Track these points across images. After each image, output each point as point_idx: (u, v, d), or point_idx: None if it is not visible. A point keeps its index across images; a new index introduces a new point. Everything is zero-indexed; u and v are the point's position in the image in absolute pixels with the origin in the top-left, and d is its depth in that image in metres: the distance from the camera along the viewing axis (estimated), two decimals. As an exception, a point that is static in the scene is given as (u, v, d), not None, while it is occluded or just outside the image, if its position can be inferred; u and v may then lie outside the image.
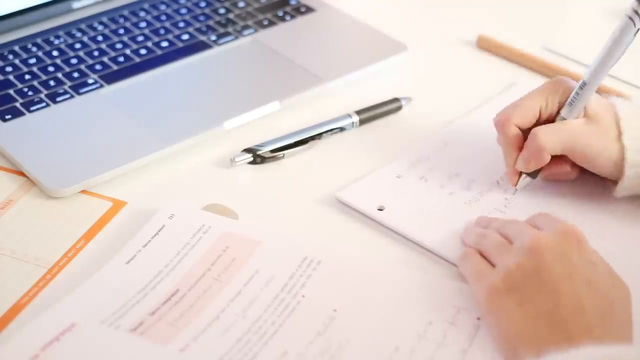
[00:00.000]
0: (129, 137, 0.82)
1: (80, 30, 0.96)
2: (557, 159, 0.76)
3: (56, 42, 0.94)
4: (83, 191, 0.77)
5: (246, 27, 0.97)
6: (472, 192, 0.78)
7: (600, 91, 0.90)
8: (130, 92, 0.88)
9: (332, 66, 0.91)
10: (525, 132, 0.76)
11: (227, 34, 0.96)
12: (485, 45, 0.97)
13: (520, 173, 0.77)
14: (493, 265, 0.66)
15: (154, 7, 0.99)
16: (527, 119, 0.76)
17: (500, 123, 0.76)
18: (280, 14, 0.99)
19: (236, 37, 0.96)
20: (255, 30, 0.97)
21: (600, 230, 0.73)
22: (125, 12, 0.98)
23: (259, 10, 1.00)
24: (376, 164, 0.80)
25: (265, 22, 0.98)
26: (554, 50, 0.96)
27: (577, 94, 0.74)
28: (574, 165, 0.76)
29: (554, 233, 0.65)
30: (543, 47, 0.97)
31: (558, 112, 0.75)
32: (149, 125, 0.83)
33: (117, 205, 0.76)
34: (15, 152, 0.80)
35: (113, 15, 0.98)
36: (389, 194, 0.77)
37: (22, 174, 0.79)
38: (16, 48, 0.92)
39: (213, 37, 0.95)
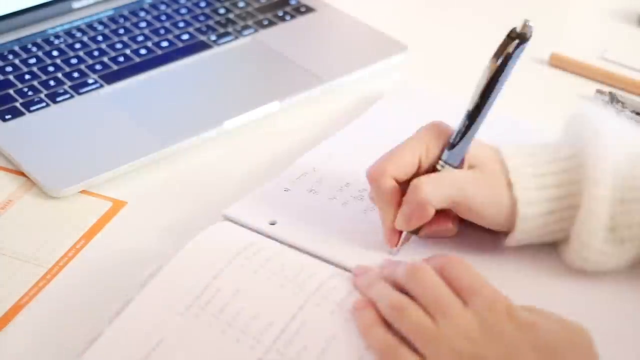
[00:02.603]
0: (129, 137, 0.82)
1: (80, 30, 0.96)
2: (438, 214, 0.67)
3: (56, 42, 0.94)
4: (83, 191, 0.77)
5: (246, 27, 0.97)
6: (365, 201, 0.73)
7: (612, 82, 0.90)
8: (131, 92, 0.88)
9: (332, 66, 0.91)
10: (404, 185, 0.67)
11: (227, 33, 0.96)
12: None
13: (400, 232, 0.68)
14: (419, 354, 0.57)
15: (154, 7, 0.99)
16: (406, 170, 0.67)
17: (375, 176, 0.67)
18: (280, 13, 0.99)
19: (236, 37, 0.96)
20: (255, 30, 0.97)
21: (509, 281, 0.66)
22: (125, 12, 0.98)
23: (259, 10, 1.00)
24: (254, 171, 0.79)
25: (265, 22, 0.98)
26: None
27: (458, 135, 0.66)
28: (454, 219, 0.68)
29: (481, 311, 0.57)
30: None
31: (439, 160, 0.67)
32: (149, 125, 0.83)
33: (117, 205, 0.76)
34: (15, 152, 0.80)
35: (113, 15, 0.98)
36: (279, 208, 0.73)
37: (22, 174, 0.79)
38: (16, 48, 0.92)
39: (213, 37, 0.95)
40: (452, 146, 0.66)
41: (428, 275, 0.59)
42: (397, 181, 0.67)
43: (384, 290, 0.61)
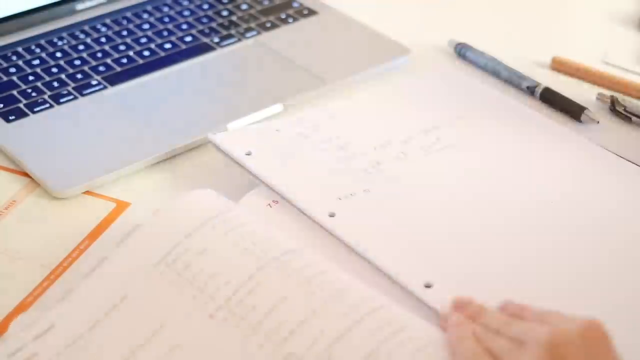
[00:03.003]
0: (132, 138, 0.82)
1: (83, 31, 0.96)
2: None
3: (59, 43, 0.94)
4: (87, 192, 0.78)
5: (249, 29, 0.97)
6: (344, 152, 0.78)
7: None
8: (134, 93, 0.88)
9: (335, 68, 0.91)
10: None
11: (230, 36, 0.96)
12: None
13: None
14: None
15: (157, 9, 1.00)
16: None
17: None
18: (283, 16, 0.99)
19: (239, 40, 0.96)
20: (258, 33, 0.97)
21: None
22: (129, 14, 0.99)
23: (261, 12, 1.00)
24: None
25: (268, 25, 0.98)
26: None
27: None
28: None
29: (575, 328, 0.54)
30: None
31: None
32: (152, 127, 0.83)
33: (121, 206, 0.77)
34: (19, 153, 0.80)
35: (116, 17, 0.98)
36: (261, 143, 0.77)
37: (26, 174, 0.79)
38: (20, 49, 0.93)
39: (216, 39, 0.96)
40: None
41: (519, 320, 0.58)
42: None
43: (489, 320, 0.59)
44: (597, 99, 0.89)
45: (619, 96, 0.88)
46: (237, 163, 0.75)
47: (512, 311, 0.60)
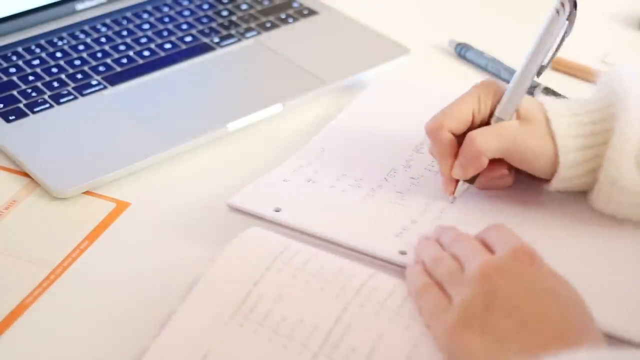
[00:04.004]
0: (132, 138, 0.82)
1: (83, 31, 0.96)
2: (493, 164, 0.73)
3: (60, 43, 0.94)
4: (87, 192, 0.78)
5: (249, 29, 0.97)
6: (364, 189, 0.76)
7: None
8: (134, 93, 0.88)
9: (335, 68, 0.91)
10: (459, 138, 0.73)
11: (230, 36, 0.96)
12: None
13: (457, 181, 0.74)
14: (448, 296, 0.61)
15: (157, 9, 1.00)
16: (461, 124, 0.73)
17: (433, 130, 0.73)
18: (283, 16, 0.99)
19: (239, 40, 0.96)
20: (258, 33, 0.97)
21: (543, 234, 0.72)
22: (129, 14, 0.99)
23: (261, 12, 1.00)
24: (257, 172, 0.79)
25: (268, 25, 0.98)
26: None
27: (510, 93, 0.72)
28: (509, 169, 0.74)
29: (504, 255, 0.61)
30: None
31: (491, 115, 0.73)
32: (152, 127, 0.83)
33: (121, 206, 0.77)
34: (19, 153, 0.80)
35: (116, 17, 0.98)
36: (282, 196, 0.75)
37: (26, 174, 0.79)
38: (20, 49, 0.93)
39: (216, 39, 0.96)
40: (504, 103, 0.72)
41: (466, 237, 0.66)
42: (453, 134, 0.73)
43: (430, 249, 0.67)
44: None
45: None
46: (272, 222, 0.72)
47: (451, 235, 0.68)
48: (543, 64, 0.73)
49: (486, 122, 0.73)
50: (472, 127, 0.73)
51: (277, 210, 0.73)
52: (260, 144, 0.84)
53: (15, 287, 0.69)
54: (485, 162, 0.72)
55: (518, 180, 0.75)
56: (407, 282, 0.64)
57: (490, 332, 0.57)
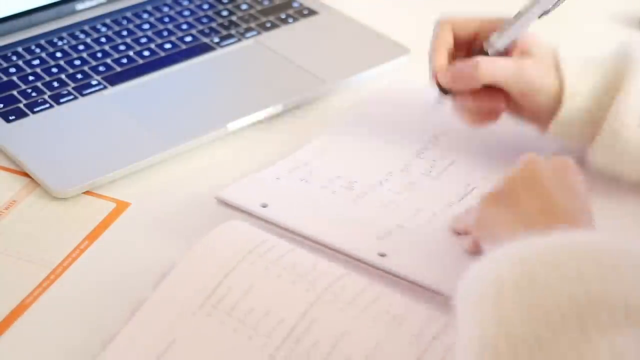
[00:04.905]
0: (132, 138, 0.82)
1: (83, 31, 0.96)
2: (488, 93, 0.75)
3: (60, 43, 0.94)
4: (87, 192, 0.78)
5: (249, 29, 0.97)
6: (355, 191, 0.76)
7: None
8: (134, 93, 0.88)
9: (335, 68, 0.91)
10: (458, 48, 0.77)
11: (230, 36, 0.96)
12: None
13: (439, 86, 0.77)
14: None
15: (157, 9, 1.00)
16: (463, 31, 0.77)
17: (440, 21, 0.77)
18: (283, 16, 0.99)
19: (239, 40, 0.96)
20: (258, 33, 0.97)
21: None
22: (129, 14, 0.99)
23: (261, 12, 1.00)
24: (253, 170, 0.79)
25: (268, 25, 0.98)
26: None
27: (510, 23, 0.75)
28: (484, 111, 0.77)
29: (546, 159, 0.65)
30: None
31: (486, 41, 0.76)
32: (152, 127, 0.83)
33: (121, 206, 0.77)
34: (19, 153, 0.80)
35: (116, 17, 0.98)
36: (271, 193, 0.75)
37: (26, 174, 0.79)
38: (20, 49, 0.93)
39: (216, 39, 0.96)
40: (502, 31, 0.75)
41: None
42: (455, 39, 0.77)
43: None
44: None
45: None
46: (257, 217, 0.72)
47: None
48: (546, 9, 0.75)
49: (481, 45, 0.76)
50: (473, 42, 0.77)
51: (264, 206, 0.73)
52: (260, 144, 0.84)
53: (15, 287, 0.69)
54: (476, 83, 0.74)
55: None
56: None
57: (518, 205, 0.62)
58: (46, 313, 0.67)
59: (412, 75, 0.93)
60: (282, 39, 0.96)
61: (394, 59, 0.93)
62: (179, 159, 0.82)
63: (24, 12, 0.95)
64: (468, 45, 0.78)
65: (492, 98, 0.76)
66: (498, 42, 0.75)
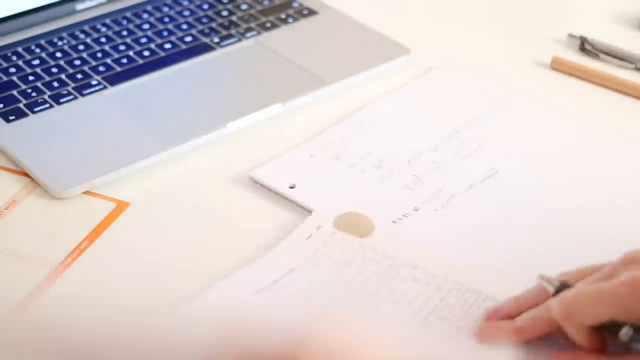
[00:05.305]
0: (132, 138, 0.82)
1: (83, 31, 0.96)
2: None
3: (59, 43, 0.94)
4: (87, 192, 0.78)
5: (249, 29, 0.97)
6: (382, 170, 0.79)
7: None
8: (134, 93, 0.88)
9: (335, 68, 0.91)
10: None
11: (230, 36, 0.96)
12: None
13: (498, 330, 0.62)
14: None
15: (157, 9, 1.00)
16: (593, 321, 0.59)
17: (562, 318, 0.59)
18: (283, 16, 0.99)
19: (239, 40, 0.96)
20: (258, 33, 0.97)
21: None
22: (129, 14, 0.99)
23: (261, 12, 1.00)
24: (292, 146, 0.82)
25: (268, 25, 0.98)
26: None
27: None
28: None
29: None
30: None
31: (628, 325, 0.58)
32: (152, 127, 0.83)
33: (121, 206, 0.77)
34: (19, 153, 0.80)
35: (116, 17, 0.98)
36: (301, 173, 0.78)
37: (25, 174, 0.79)
38: (19, 49, 0.93)
39: (216, 39, 0.96)
40: None
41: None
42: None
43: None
44: (569, 38, 0.97)
45: (588, 36, 0.95)
46: (284, 197, 0.76)
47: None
48: None
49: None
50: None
51: (292, 187, 0.76)
52: (260, 144, 0.84)
53: (15, 287, 0.69)
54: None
55: None
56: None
57: None
58: (46, 313, 0.67)
59: (412, 75, 0.93)
60: (282, 39, 0.96)
61: (394, 59, 0.93)
62: (179, 159, 0.82)
63: (24, 12, 0.95)
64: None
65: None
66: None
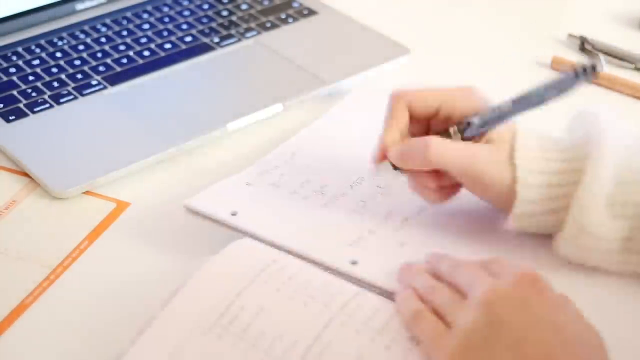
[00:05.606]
0: (132, 138, 0.82)
1: (83, 31, 0.96)
2: (431, 172, 0.69)
3: (59, 43, 0.94)
4: (87, 192, 0.78)
5: (249, 29, 0.97)
6: (326, 196, 0.75)
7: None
8: (134, 93, 0.88)
9: (335, 68, 0.91)
10: (416, 122, 0.71)
11: (230, 36, 0.96)
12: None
13: (385, 157, 0.71)
14: (447, 323, 0.59)
15: (157, 9, 1.00)
16: (421, 107, 0.70)
17: (393, 96, 0.71)
18: (283, 16, 0.99)
19: (239, 40, 0.96)
20: (258, 33, 0.97)
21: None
22: (129, 14, 0.99)
23: (261, 12, 1.00)
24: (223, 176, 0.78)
25: (268, 25, 0.98)
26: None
27: (492, 119, 0.67)
28: (443, 188, 0.70)
29: (508, 281, 0.58)
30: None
31: (454, 124, 0.69)
32: (152, 127, 0.83)
33: (121, 206, 0.77)
34: (19, 153, 0.80)
35: (116, 17, 0.98)
36: (241, 200, 0.73)
37: (26, 174, 0.79)
38: (20, 49, 0.93)
39: (216, 39, 0.96)
40: (482, 125, 0.68)
41: (467, 263, 0.63)
42: (411, 114, 0.71)
43: (424, 277, 0.64)
44: (569, 38, 0.98)
45: (588, 36, 0.97)
46: (226, 225, 0.71)
47: (449, 264, 0.64)
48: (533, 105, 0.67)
49: (445, 126, 0.70)
50: (429, 120, 0.71)
51: (234, 214, 0.72)
52: (260, 144, 0.84)
53: (15, 287, 0.69)
54: (426, 165, 0.68)
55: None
56: (398, 307, 0.62)
57: None
58: (46, 313, 0.67)
59: (412, 75, 0.93)
60: (282, 39, 0.96)
61: (394, 59, 0.93)
62: (179, 159, 0.82)
63: (24, 12, 0.95)
64: (427, 121, 0.72)
65: (448, 175, 0.69)
66: (470, 132, 0.69)
